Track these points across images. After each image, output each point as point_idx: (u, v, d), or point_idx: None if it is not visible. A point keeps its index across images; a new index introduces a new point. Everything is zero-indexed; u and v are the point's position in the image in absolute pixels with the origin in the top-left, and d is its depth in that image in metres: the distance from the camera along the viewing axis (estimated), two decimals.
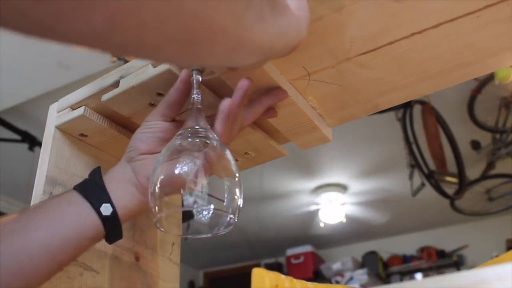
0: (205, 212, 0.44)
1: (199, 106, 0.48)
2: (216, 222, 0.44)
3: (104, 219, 0.46)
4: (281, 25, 0.36)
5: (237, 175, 0.45)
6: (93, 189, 0.48)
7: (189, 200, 0.42)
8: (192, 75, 0.49)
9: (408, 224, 4.44)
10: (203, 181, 0.43)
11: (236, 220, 0.44)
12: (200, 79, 0.49)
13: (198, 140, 0.45)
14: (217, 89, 0.56)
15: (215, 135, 0.46)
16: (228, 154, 0.46)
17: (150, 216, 0.58)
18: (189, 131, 0.45)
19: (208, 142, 0.45)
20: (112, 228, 0.47)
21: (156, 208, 0.43)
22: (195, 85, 0.49)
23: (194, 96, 0.48)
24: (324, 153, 3.34)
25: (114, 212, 0.47)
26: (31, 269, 0.43)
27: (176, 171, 0.43)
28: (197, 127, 0.46)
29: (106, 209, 0.46)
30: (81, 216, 0.46)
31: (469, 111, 2.71)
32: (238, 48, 0.33)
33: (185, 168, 0.43)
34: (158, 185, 0.43)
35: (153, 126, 0.51)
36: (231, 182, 0.45)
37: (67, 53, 2.14)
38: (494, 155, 2.99)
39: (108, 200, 0.47)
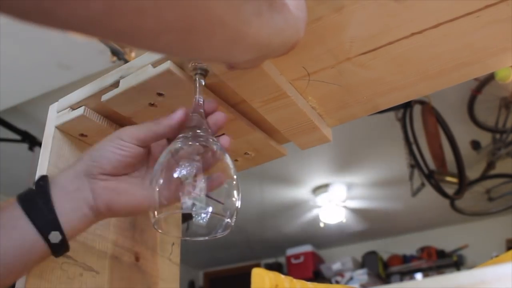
0: (203, 215, 0.44)
1: (201, 110, 0.48)
2: (214, 225, 0.44)
3: (53, 246, 0.44)
4: (278, 22, 0.36)
5: (235, 177, 0.46)
6: (41, 211, 0.44)
7: (187, 203, 0.42)
8: (196, 80, 0.49)
9: (408, 224, 4.44)
10: (201, 185, 0.43)
11: (233, 224, 0.45)
12: (203, 83, 0.49)
13: (198, 143, 0.45)
14: (218, 91, 0.56)
15: (215, 139, 0.46)
16: (227, 158, 0.46)
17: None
18: (190, 135, 0.45)
19: (208, 146, 0.45)
20: (59, 250, 0.45)
21: (155, 211, 0.43)
22: (198, 89, 0.48)
23: (197, 99, 0.48)
24: (324, 152, 3.34)
25: (63, 239, 0.44)
26: None
27: (175, 175, 0.43)
28: (198, 131, 0.46)
29: (55, 237, 0.43)
30: (28, 243, 0.43)
31: (469, 111, 2.71)
32: (235, 42, 0.33)
33: (184, 172, 0.43)
34: (157, 188, 0.43)
35: (127, 149, 0.46)
36: (230, 185, 0.45)
37: (67, 53, 2.14)
38: (494, 155, 2.99)
39: (57, 228, 0.44)
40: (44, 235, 0.43)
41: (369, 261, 4.47)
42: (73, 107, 0.60)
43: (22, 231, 0.43)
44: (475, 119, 2.75)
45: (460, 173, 2.79)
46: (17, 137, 2.67)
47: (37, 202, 0.44)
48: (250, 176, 3.38)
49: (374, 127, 3.02)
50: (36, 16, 0.22)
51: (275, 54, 0.40)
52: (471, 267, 3.15)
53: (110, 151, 0.47)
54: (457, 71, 0.54)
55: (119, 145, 0.46)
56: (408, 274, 4.41)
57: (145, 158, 0.49)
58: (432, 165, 2.84)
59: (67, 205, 0.45)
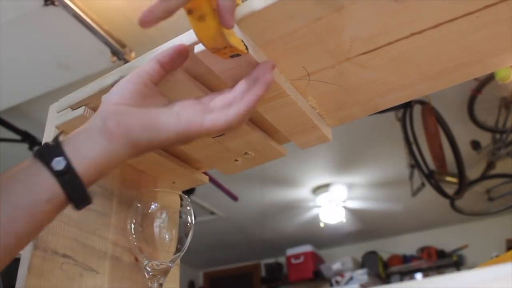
0: None
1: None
2: None
3: (57, 174, 0.40)
4: None
5: None
6: (45, 146, 0.42)
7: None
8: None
9: (408, 224, 4.44)
10: None
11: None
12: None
13: None
14: (217, 90, 0.56)
15: None
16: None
17: (149, 216, 0.58)
18: None
19: None
20: (71, 186, 0.40)
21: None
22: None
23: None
24: (325, 152, 3.34)
25: (69, 165, 0.40)
26: None
27: None
28: None
29: (58, 163, 0.40)
30: (31, 177, 0.40)
31: (469, 111, 2.71)
32: None
33: None
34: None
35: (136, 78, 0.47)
36: None
37: (67, 53, 2.14)
38: (494, 155, 2.99)
39: (61, 153, 0.40)
40: (46, 163, 0.40)
41: (369, 261, 4.47)
42: (73, 107, 0.60)
43: (26, 168, 0.41)
44: (475, 119, 2.75)
45: (460, 173, 2.79)
46: (17, 137, 2.67)
47: (45, 144, 0.42)
48: (250, 176, 3.38)
49: (375, 127, 3.02)
50: None
51: None
52: (471, 267, 3.15)
53: (119, 84, 0.47)
54: (457, 71, 0.54)
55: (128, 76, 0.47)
56: (408, 274, 4.41)
57: (155, 93, 0.48)
58: (432, 165, 2.84)
59: (74, 138, 0.42)
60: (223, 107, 0.46)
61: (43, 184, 0.39)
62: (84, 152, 0.41)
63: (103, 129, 0.43)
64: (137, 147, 0.44)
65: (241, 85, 0.47)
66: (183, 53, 0.48)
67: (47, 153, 0.40)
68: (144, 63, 0.48)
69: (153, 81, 0.48)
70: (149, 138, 0.43)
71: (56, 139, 0.42)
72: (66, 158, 0.40)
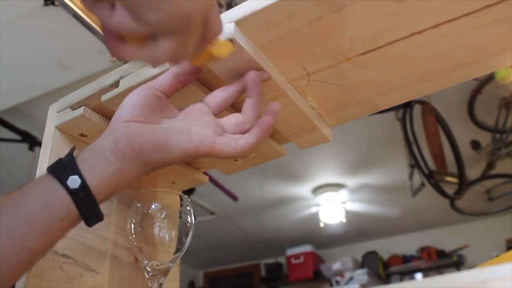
0: None
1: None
2: None
3: (72, 193, 0.40)
4: None
5: None
6: (60, 163, 0.42)
7: None
8: None
9: (408, 224, 4.44)
10: None
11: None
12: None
13: None
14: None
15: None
16: None
17: (149, 215, 0.58)
18: None
19: None
20: (84, 204, 0.41)
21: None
22: None
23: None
24: (324, 152, 3.34)
25: (84, 184, 0.40)
26: None
27: None
28: None
29: (73, 182, 0.40)
30: (47, 194, 0.40)
31: (469, 111, 2.71)
32: None
33: None
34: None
35: (145, 90, 0.47)
36: None
37: (67, 53, 2.14)
38: (494, 155, 2.99)
39: (76, 172, 0.41)
40: (62, 181, 0.40)
41: (369, 261, 4.47)
42: (73, 107, 0.60)
43: (41, 185, 0.41)
44: (475, 119, 2.75)
45: (460, 173, 2.79)
46: (17, 137, 2.67)
47: (59, 160, 0.43)
48: (250, 174, 3.38)
49: (378, 130, 3.02)
50: None
51: None
52: (471, 267, 3.15)
53: (129, 98, 0.47)
54: (457, 71, 0.54)
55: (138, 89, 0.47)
56: (408, 274, 4.41)
57: (165, 104, 0.48)
58: (432, 165, 2.84)
59: (88, 155, 0.43)
60: (235, 128, 0.47)
61: (58, 202, 0.40)
62: (98, 172, 0.42)
63: (115, 150, 0.43)
64: (148, 166, 0.44)
65: (249, 105, 0.48)
66: (199, 69, 0.49)
67: (62, 170, 0.41)
68: (159, 77, 0.48)
69: (166, 93, 0.48)
70: (160, 158, 0.44)
71: (70, 155, 0.43)
72: (81, 177, 0.41)
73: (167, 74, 0.48)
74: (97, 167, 0.42)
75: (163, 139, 0.44)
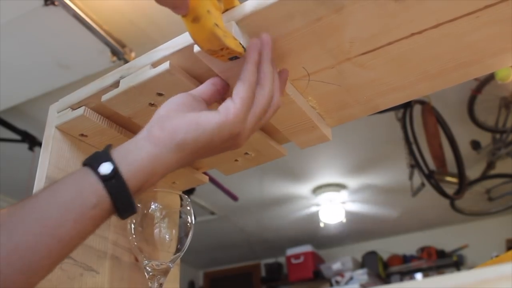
0: None
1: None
2: None
3: (104, 179, 0.40)
4: None
5: None
6: (95, 154, 0.43)
7: None
8: None
9: (408, 224, 4.44)
10: None
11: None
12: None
13: None
14: None
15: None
16: None
17: (149, 215, 0.58)
18: None
19: None
20: (116, 191, 0.40)
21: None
22: None
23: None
24: (324, 152, 3.34)
25: (115, 170, 0.40)
26: (28, 251, 0.37)
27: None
28: None
29: (105, 168, 0.40)
30: (80, 182, 0.40)
31: (469, 111, 2.71)
32: None
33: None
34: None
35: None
36: None
37: (67, 53, 2.14)
38: (494, 155, 2.99)
39: (108, 159, 0.41)
40: (94, 167, 0.40)
41: (369, 261, 4.46)
42: (73, 107, 0.60)
43: (75, 174, 0.41)
44: (475, 119, 2.75)
45: (460, 173, 2.79)
46: (17, 137, 2.67)
47: (95, 152, 0.43)
48: (250, 174, 3.38)
49: (379, 130, 3.02)
50: None
51: None
52: (471, 267, 3.15)
53: (168, 100, 0.48)
54: (457, 71, 0.54)
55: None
56: (408, 274, 4.41)
57: (203, 107, 0.49)
58: (432, 165, 2.84)
59: (122, 146, 0.44)
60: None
61: (90, 188, 0.40)
62: (131, 158, 0.42)
63: (148, 136, 0.44)
64: (184, 150, 0.44)
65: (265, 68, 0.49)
66: None
67: (95, 159, 0.41)
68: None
69: (206, 99, 0.49)
70: (194, 137, 0.44)
71: (106, 148, 0.43)
72: (113, 163, 0.41)
73: (206, 83, 0.51)
74: (129, 155, 0.42)
75: (194, 118, 0.44)
